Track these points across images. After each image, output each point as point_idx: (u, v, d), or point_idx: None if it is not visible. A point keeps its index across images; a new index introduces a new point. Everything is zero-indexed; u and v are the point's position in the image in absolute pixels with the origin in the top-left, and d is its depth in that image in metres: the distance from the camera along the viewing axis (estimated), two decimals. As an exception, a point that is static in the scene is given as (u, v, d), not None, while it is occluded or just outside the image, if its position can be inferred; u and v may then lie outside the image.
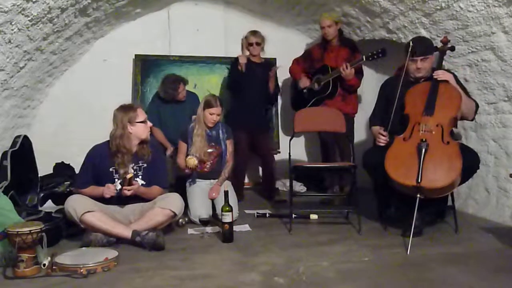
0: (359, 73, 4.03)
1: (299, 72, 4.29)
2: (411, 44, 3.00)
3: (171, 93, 4.04)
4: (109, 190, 2.83)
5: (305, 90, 4.21)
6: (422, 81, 3.07)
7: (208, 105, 3.46)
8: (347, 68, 3.79)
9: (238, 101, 4.27)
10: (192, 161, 3.37)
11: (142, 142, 2.98)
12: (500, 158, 3.29)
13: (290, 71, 4.39)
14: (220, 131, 3.57)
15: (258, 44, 4.17)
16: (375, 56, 3.65)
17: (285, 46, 4.66)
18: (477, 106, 3.05)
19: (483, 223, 3.12)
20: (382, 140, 3.00)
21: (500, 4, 2.84)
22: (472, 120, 3.12)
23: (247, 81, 4.12)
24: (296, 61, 4.40)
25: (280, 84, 4.51)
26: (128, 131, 2.91)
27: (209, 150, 3.51)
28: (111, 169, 2.92)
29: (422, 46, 3.06)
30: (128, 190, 2.81)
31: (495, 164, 3.33)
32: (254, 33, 4.20)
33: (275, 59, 4.78)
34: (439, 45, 3.15)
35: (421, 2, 3.33)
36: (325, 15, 4.10)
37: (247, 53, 4.24)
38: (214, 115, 3.47)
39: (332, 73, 3.97)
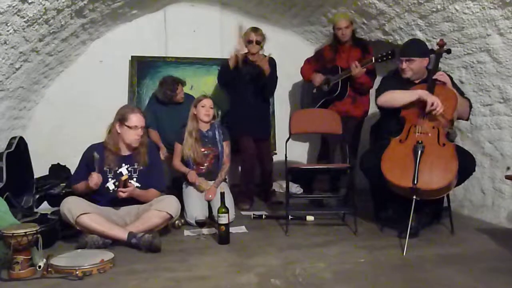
0: (371, 74, 3.93)
1: (311, 72, 4.16)
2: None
3: (169, 95, 4.04)
4: (92, 179, 2.77)
5: (315, 90, 4.12)
6: (417, 82, 3.08)
7: (198, 101, 3.53)
8: (356, 67, 3.67)
9: (236, 101, 4.13)
10: (206, 185, 3.44)
11: (138, 147, 2.97)
12: (495, 159, 3.30)
13: (302, 71, 4.27)
14: (217, 132, 3.58)
15: (258, 42, 3.93)
16: (385, 58, 3.57)
17: (281, 47, 4.65)
18: (470, 105, 3.06)
19: (478, 224, 3.14)
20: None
21: (495, 6, 2.85)
22: (467, 119, 3.13)
23: (244, 80, 4.00)
24: (307, 61, 4.29)
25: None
26: (115, 129, 2.92)
27: (206, 152, 3.51)
28: (105, 168, 2.92)
29: (409, 48, 3.09)
30: (123, 192, 2.80)
31: (490, 165, 3.34)
32: (255, 30, 3.96)
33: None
34: (436, 47, 3.17)
35: (417, 4, 3.34)
36: (340, 16, 3.95)
37: (245, 50, 4.02)
38: (206, 106, 3.49)
39: (341, 73, 3.87)
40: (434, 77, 2.95)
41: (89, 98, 4.50)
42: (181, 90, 4.11)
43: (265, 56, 3.95)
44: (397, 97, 2.97)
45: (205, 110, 3.49)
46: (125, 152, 2.97)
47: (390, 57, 3.56)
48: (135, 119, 2.91)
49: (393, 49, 3.58)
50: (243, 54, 3.99)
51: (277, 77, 4.03)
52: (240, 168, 4.27)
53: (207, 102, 3.51)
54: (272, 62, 3.95)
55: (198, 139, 3.48)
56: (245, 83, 4.01)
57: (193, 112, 3.52)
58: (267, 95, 4.17)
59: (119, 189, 2.81)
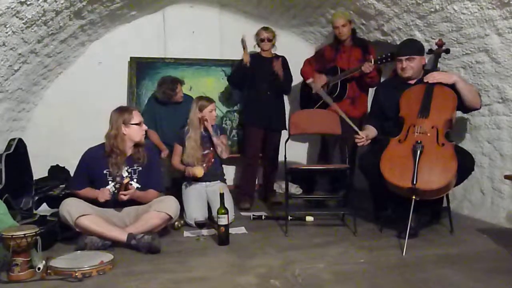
0: (377, 70, 3.89)
1: (312, 73, 4.15)
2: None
3: (168, 94, 4.04)
4: (104, 194, 2.81)
5: (314, 91, 4.11)
6: (415, 82, 3.09)
7: (203, 106, 3.51)
8: (370, 66, 3.64)
9: (251, 97, 4.16)
10: (199, 171, 3.40)
11: (138, 145, 2.97)
12: (494, 159, 3.30)
13: (302, 72, 4.25)
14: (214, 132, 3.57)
15: (269, 40, 4.09)
16: (384, 60, 3.57)
17: (280, 48, 4.64)
18: (478, 92, 3.04)
19: (478, 224, 3.14)
20: (359, 141, 3.09)
21: (493, 6, 2.86)
22: (479, 108, 3.04)
23: (258, 76, 4.04)
24: (308, 61, 4.28)
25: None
26: (122, 132, 2.91)
27: (204, 152, 3.51)
28: (105, 172, 2.91)
29: (408, 46, 3.11)
30: (125, 195, 2.80)
31: (489, 165, 3.34)
32: (265, 28, 4.14)
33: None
34: (434, 47, 3.18)
35: (415, 5, 3.35)
36: (338, 14, 3.95)
37: (257, 50, 4.20)
38: (213, 111, 3.55)
39: (340, 75, 3.88)
40: (424, 80, 2.97)
41: (88, 99, 4.50)
42: (180, 90, 4.12)
43: (278, 56, 4.11)
44: None
45: (213, 116, 3.54)
46: (128, 153, 2.97)
47: (389, 59, 3.56)
48: (137, 115, 2.98)
49: (393, 52, 3.58)
50: (256, 52, 4.17)
51: (291, 76, 4.20)
52: (242, 163, 4.29)
53: (213, 107, 3.55)
54: (284, 61, 4.12)
55: (199, 142, 3.49)
56: (262, 77, 4.06)
57: (197, 116, 3.51)
58: (285, 93, 4.33)
59: (121, 192, 2.80)
